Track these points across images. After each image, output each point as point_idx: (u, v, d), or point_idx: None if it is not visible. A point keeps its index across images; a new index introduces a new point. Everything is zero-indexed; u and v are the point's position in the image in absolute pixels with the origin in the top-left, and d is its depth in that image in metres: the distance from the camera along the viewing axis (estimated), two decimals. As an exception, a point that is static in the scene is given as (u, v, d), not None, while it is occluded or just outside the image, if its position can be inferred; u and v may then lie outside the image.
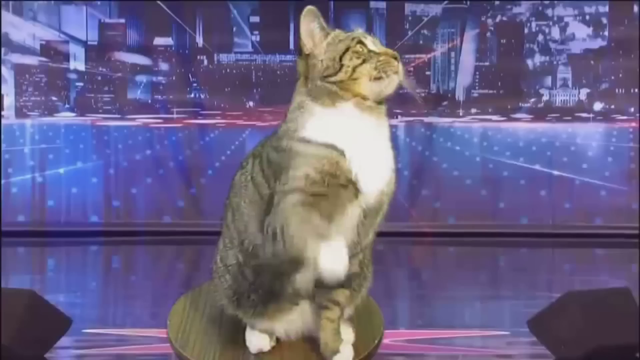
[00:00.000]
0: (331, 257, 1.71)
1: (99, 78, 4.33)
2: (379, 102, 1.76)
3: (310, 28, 1.75)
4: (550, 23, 4.30)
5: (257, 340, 1.93)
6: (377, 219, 1.79)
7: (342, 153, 1.70)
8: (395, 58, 1.75)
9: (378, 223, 1.80)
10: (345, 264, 1.75)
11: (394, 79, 1.74)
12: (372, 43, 1.77)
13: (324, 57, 1.74)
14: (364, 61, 1.73)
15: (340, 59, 1.73)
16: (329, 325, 1.86)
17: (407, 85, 1.77)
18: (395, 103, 4.35)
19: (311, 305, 1.88)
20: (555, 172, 4.29)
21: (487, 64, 4.33)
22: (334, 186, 1.70)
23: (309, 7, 1.75)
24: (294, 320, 1.90)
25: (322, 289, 1.83)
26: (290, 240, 1.72)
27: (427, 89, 4.32)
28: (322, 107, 1.73)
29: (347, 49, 1.74)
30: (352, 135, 1.71)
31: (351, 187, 1.71)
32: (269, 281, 1.84)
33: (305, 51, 1.76)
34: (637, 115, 4.25)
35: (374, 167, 1.73)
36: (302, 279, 1.82)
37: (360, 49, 1.74)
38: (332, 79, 1.73)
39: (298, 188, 1.70)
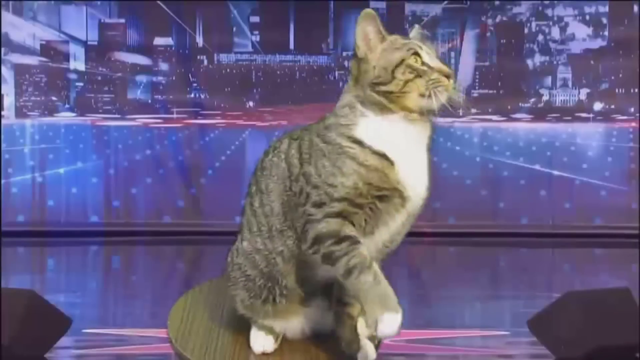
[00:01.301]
0: (390, 326, 1.69)
1: (99, 78, 4.33)
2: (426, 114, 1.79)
3: (366, 32, 1.76)
4: (550, 23, 4.30)
5: (262, 341, 1.93)
6: (414, 217, 1.83)
7: (391, 163, 1.72)
8: (449, 76, 1.75)
9: (413, 219, 1.85)
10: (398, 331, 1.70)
11: (443, 97, 1.75)
12: (428, 55, 1.76)
13: (377, 64, 1.75)
14: (416, 76, 1.73)
15: (393, 71, 1.73)
16: (348, 322, 1.87)
17: (456, 102, 1.78)
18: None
19: (325, 301, 1.89)
20: (555, 172, 4.29)
21: (487, 64, 4.33)
22: (378, 198, 1.73)
23: (367, 10, 1.76)
24: (307, 314, 1.90)
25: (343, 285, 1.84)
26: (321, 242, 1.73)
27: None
28: (371, 113, 1.76)
29: (401, 61, 1.73)
30: (399, 144, 1.75)
31: (398, 195, 1.73)
32: (294, 269, 1.83)
33: (359, 54, 1.76)
34: (637, 115, 4.25)
35: (418, 175, 1.77)
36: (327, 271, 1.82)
37: (414, 62, 1.74)
38: (382, 88, 1.75)
39: (345, 197, 1.71)
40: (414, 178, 1.76)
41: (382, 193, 1.73)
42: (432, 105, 1.75)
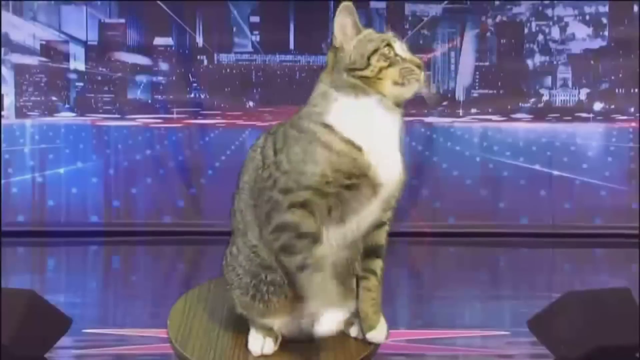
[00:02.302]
0: (331, 323, 1.77)
1: (99, 78, 4.33)
2: (397, 104, 1.82)
3: (344, 23, 1.84)
4: (550, 23, 4.31)
5: (261, 343, 1.93)
6: (393, 201, 1.85)
7: (359, 149, 1.75)
8: (419, 67, 1.82)
9: (394, 202, 1.86)
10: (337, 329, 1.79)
11: (414, 86, 1.82)
12: (400, 48, 1.84)
13: (352, 52, 1.82)
14: (390, 65, 1.80)
15: (369, 57, 1.80)
16: (367, 295, 1.89)
17: (425, 94, 1.85)
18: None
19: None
20: (555, 172, 4.29)
21: (487, 64, 4.33)
22: (346, 187, 1.74)
23: (346, 2, 1.84)
24: (303, 310, 1.90)
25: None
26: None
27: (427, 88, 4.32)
28: (345, 97, 1.79)
29: (376, 50, 1.81)
30: (371, 128, 1.78)
31: (368, 183, 1.75)
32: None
33: (335, 44, 1.83)
34: (637, 115, 4.25)
35: (390, 159, 1.80)
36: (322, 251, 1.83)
37: (388, 52, 1.81)
38: (358, 73, 1.81)
39: (312, 186, 1.74)
40: (385, 162, 1.77)
41: (351, 181, 1.74)
42: (405, 94, 1.82)
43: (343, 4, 1.84)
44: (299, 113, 1.84)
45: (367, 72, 1.79)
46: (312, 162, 1.74)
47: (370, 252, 1.88)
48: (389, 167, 1.78)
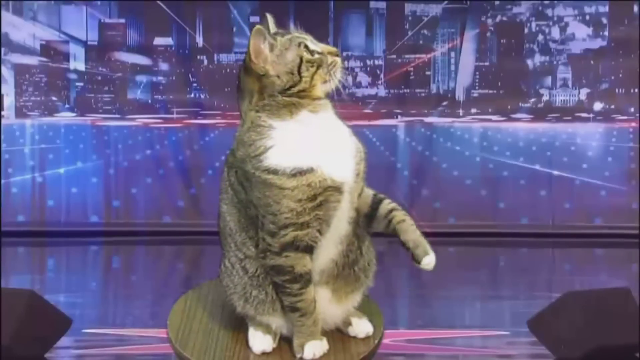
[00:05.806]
0: (313, 351, 1.88)
1: (99, 78, 4.33)
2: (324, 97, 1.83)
3: (259, 50, 1.79)
4: (550, 23, 4.30)
5: (260, 341, 1.94)
6: (357, 178, 1.83)
7: (310, 170, 1.74)
8: (337, 54, 1.82)
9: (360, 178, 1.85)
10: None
11: (338, 76, 1.81)
12: (312, 42, 1.83)
13: (279, 72, 1.79)
14: (318, 67, 1.79)
15: (299, 71, 1.78)
16: (404, 225, 1.86)
17: (344, 79, 1.82)
18: (395, 103, 4.37)
19: (328, 289, 1.90)
20: (555, 172, 4.29)
21: (487, 64, 4.33)
22: (317, 207, 1.76)
23: (257, 27, 1.81)
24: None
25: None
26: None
27: (427, 88, 4.32)
28: (281, 121, 1.78)
29: (301, 60, 1.78)
30: (313, 140, 1.77)
31: (332, 190, 1.76)
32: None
33: (259, 71, 1.79)
34: (637, 115, 4.25)
35: (337, 156, 1.79)
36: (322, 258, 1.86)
37: (310, 56, 1.79)
38: (294, 89, 1.78)
39: (289, 224, 1.77)
40: (335, 162, 1.78)
41: (318, 200, 1.75)
42: (332, 87, 1.81)
43: (255, 29, 1.80)
44: (237, 151, 1.82)
45: (302, 86, 1.77)
46: (276, 203, 1.76)
47: (374, 206, 1.86)
48: (340, 165, 1.78)
